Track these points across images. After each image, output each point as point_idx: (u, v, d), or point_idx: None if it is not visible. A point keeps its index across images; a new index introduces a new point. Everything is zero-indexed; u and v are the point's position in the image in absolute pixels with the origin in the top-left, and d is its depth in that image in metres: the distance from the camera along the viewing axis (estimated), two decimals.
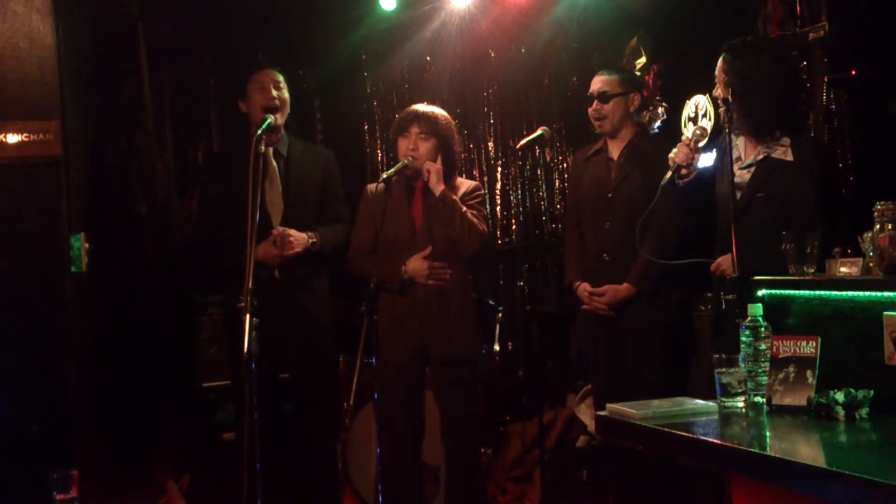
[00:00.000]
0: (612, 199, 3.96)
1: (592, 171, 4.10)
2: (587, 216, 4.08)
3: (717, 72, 3.42)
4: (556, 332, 5.10)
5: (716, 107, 3.36)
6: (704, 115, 4.39)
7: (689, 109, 4.66)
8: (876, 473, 1.93)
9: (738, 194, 3.32)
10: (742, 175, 3.38)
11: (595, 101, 4.00)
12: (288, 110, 4.10)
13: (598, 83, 4.04)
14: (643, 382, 3.74)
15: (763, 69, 3.32)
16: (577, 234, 4.15)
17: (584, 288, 4.00)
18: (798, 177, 3.30)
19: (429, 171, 3.83)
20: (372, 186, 4.05)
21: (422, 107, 3.98)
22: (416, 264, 3.84)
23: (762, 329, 2.59)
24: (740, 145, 3.43)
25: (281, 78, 4.09)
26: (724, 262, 3.29)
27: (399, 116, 4.03)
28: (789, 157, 3.33)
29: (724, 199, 3.34)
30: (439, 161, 3.87)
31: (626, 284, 3.89)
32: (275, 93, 4.04)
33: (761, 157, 3.36)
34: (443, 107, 4.09)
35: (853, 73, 3.95)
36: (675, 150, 3.41)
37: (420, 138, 3.87)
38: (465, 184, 4.00)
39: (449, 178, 3.91)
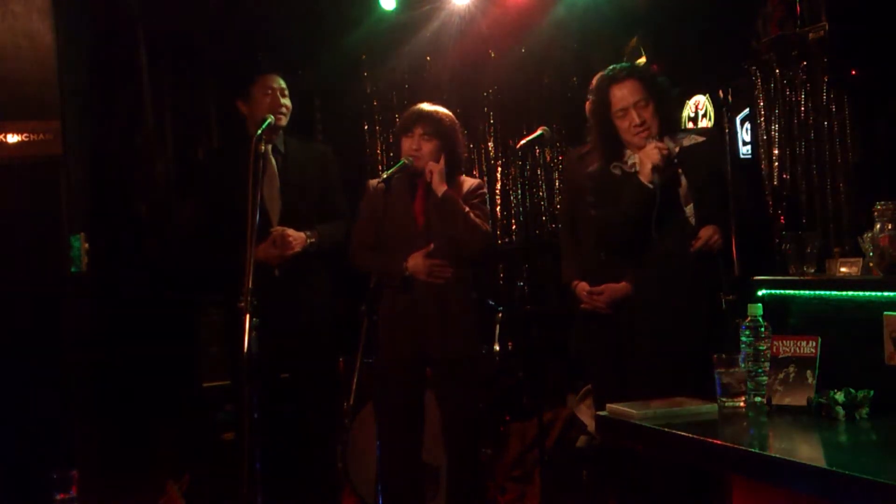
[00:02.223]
0: None
1: (586, 170, 4.10)
2: (583, 215, 4.09)
3: (634, 96, 3.46)
4: (556, 332, 5.10)
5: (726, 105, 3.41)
6: (704, 115, 4.41)
7: (689, 109, 4.68)
8: (876, 473, 1.93)
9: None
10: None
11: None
12: (289, 116, 4.12)
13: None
14: (643, 381, 3.74)
15: (660, 78, 3.60)
16: (572, 233, 4.16)
17: (582, 287, 4.00)
18: (718, 149, 3.44)
19: (431, 172, 3.83)
20: (374, 182, 4.05)
21: (427, 106, 3.97)
22: (417, 261, 3.83)
23: (762, 329, 2.59)
24: (640, 154, 3.48)
25: (284, 84, 4.10)
26: (714, 232, 3.35)
27: (404, 115, 4.02)
28: (700, 139, 3.52)
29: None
30: (442, 162, 3.87)
31: (623, 283, 3.89)
32: (282, 100, 4.05)
33: (677, 150, 3.48)
34: (443, 107, 4.09)
35: (853, 73, 3.95)
36: (648, 152, 3.42)
37: (423, 138, 3.86)
38: (467, 182, 3.99)
39: (452, 178, 3.90)
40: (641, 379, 3.59)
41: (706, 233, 3.38)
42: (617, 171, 3.54)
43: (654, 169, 3.38)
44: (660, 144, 3.42)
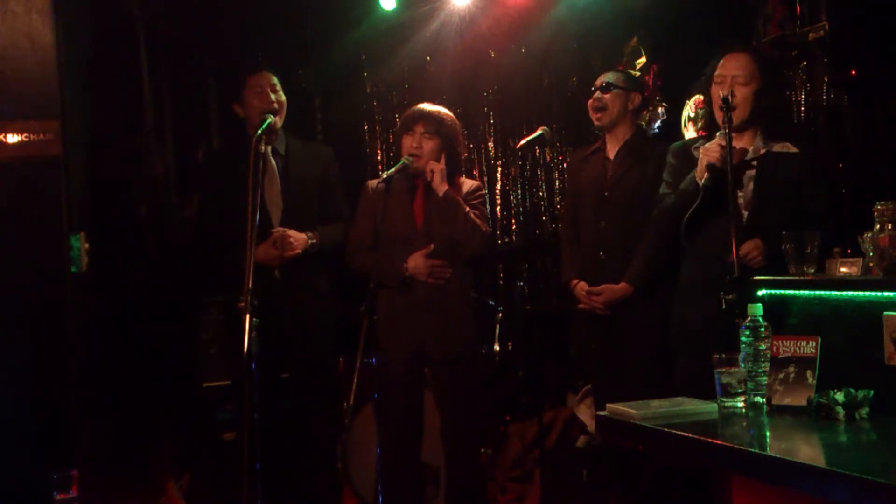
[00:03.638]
0: (609, 198, 3.97)
1: (589, 170, 4.12)
2: (584, 215, 4.10)
3: (737, 70, 3.37)
4: (556, 332, 5.10)
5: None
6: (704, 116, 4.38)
7: (689, 109, 4.68)
8: (876, 473, 1.93)
9: (738, 191, 3.33)
10: (744, 172, 3.38)
11: (597, 91, 4.03)
12: (285, 112, 4.11)
13: (602, 77, 4.09)
14: (642, 381, 3.74)
15: (779, 68, 3.46)
16: (573, 232, 4.17)
17: (581, 287, 4.01)
18: (808, 166, 3.37)
19: (432, 172, 3.83)
20: (373, 182, 4.06)
21: (428, 106, 3.98)
22: (417, 262, 3.84)
23: (762, 329, 2.59)
24: (701, 148, 3.40)
25: (276, 80, 4.09)
26: (755, 248, 3.28)
27: (405, 114, 4.03)
28: (793, 149, 3.37)
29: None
30: (443, 161, 3.87)
31: (623, 284, 3.89)
32: (273, 96, 4.04)
33: (763, 152, 3.38)
34: (443, 107, 4.09)
35: (853, 73, 3.95)
36: (709, 148, 3.31)
37: (424, 137, 3.87)
38: (466, 183, 4.00)
39: (452, 178, 3.91)
40: (640, 379, 3.59)
41: (746, 247, 3.27)
42: (696, 153, 3.42)
43: (709, 168, 3.27)
44: (723, 141, 3.25)
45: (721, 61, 3.43)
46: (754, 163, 3.37)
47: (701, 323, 3.36)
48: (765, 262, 3.23)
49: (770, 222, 3.26)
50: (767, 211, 3.29)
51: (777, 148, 3.38)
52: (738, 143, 3.37)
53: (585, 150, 4.24)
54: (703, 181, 3.29)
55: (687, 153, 3.52)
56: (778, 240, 3.06)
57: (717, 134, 3.36)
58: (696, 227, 3.40)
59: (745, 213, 3.35)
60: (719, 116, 3.35)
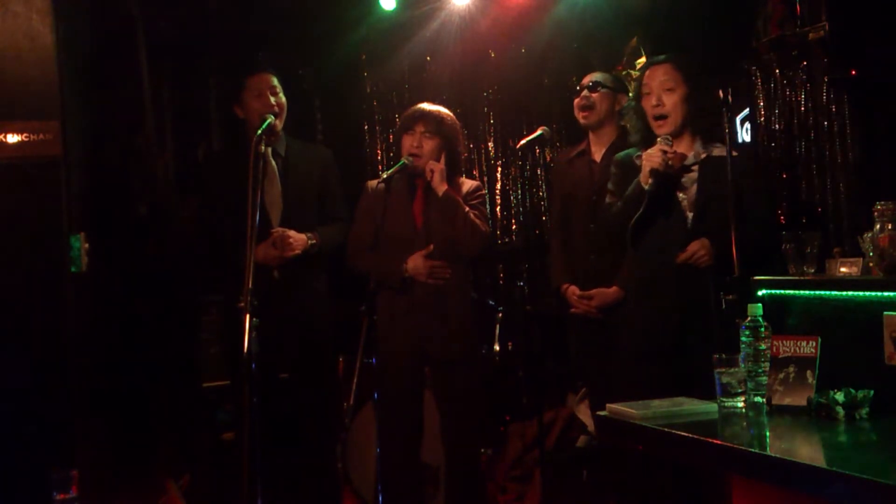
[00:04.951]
0: (597, 202, 3.96)
1: (575, 174, 4.12)
2: (573, 219, 4.10)
3: (662, 77, 3.42)
4: (556, 332, 5.09)
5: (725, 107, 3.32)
6: None
7: None
8: (876, 473, 1.93)
9: (681, 194, 3.39)
10: (684, 175, 3.42)
11: (584, 90, 4.05)
12: (285, 114, 4.10)
13: (589, 77, 4.11)
14: (637, 384, 3.74)
15: (705, 73, 3.51)
16: (563, 236, 4.16)
17: (572, 291, 4.01)
18: (746, 168, 3.46)
19: (432, 171, 3.83)
20: (373, 183, 4.06)
21: (428, 105, 3.98)
22: (416, 262, 3.84)
23: (762, 329, 2.59)
24: (643, 154, 3.43)
25: (276, 82, 4.08)
26: (702, 248, 3.30)
27: (405, 114, 4.04)
28: (733, 153, 3.42)
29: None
30: (443, 161, 3.88)
31: (614, 287, 3.89)
32: (272, 98, 4.04)
33: (703, 156, 3.42)
34: (443, 107, 4.09)
35: (853, 73, 3.95)
36: (651, 154, 3.35)
37: (424, 137, 3.88)
38: (466, 183, 4.01)
39: (452, 178, 3.92)
40: (621, 379, 3.60)
41: (693, 247, 3.31)
42: (639, 162, 3.46)
43: (652, 173, 3.31)
44: (665, 147, 3.33)
45: (646, 72, 3.49)
46: (694, 167, 3.41)
47: (645, 324, 3.41)
48: (711, 262, 3.26)
49: (714, 223, 3.29)
50: (711, 212, 3.32)
51: (717, 152, 3.41)
52: (676, 149, 3.41)
53: (569, 151, 4.25)
54: (647, 186, 3.33)
55: (630, 163, 3.55)
56: (722, 239, 3.12)
57: (658, 140, 3.39)
58: (642, 230, 3.45)
59: (690, 215, 3.38)
60: (654, 126, 3.43)
